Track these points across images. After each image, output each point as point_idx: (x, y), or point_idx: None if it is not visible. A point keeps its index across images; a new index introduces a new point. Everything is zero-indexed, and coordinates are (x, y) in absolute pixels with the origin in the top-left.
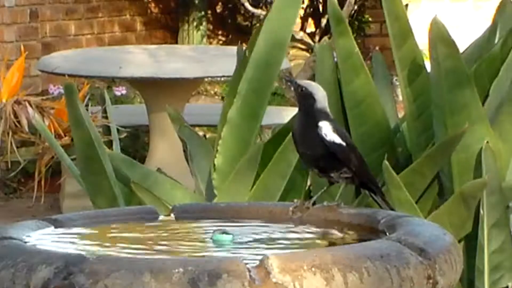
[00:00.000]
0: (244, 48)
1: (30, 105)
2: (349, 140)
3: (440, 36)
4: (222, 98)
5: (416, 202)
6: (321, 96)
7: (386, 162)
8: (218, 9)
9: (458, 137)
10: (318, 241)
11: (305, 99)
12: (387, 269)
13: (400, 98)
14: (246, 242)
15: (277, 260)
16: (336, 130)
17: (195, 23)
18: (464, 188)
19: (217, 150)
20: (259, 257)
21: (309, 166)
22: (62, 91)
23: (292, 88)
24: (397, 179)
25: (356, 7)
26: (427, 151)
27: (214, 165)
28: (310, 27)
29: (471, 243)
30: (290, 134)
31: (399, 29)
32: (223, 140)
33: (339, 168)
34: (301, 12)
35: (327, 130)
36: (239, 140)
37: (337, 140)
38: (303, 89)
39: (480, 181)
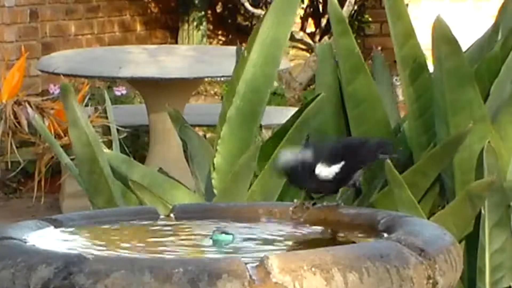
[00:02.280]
0: (243, 48)
1: (30, 106)
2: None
3: (443, 35)
4: (222, 98)
5: (419, 202)
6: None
7: (389, 161)
8: (218, 9)
9: (462, 137)
10: (318, 241)
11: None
12: (387, 269)
13: (401, 98)
14: (246, 242)
15: (277, 260)
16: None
17: (195, 23)
18: (470, 188)
19: (216, 150)
20: (259, 257)
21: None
22: None
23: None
24: (400, 179)
25: (356, 7)
26: (429, 151)
27: (214, 164)
28: (310, 27)
29: (472, 243)
30: (289, 133)
31: (401, 29)
32: (222, 140)
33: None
34: (301, 12)
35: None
36: (238, 140)
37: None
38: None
39: (487, 180)
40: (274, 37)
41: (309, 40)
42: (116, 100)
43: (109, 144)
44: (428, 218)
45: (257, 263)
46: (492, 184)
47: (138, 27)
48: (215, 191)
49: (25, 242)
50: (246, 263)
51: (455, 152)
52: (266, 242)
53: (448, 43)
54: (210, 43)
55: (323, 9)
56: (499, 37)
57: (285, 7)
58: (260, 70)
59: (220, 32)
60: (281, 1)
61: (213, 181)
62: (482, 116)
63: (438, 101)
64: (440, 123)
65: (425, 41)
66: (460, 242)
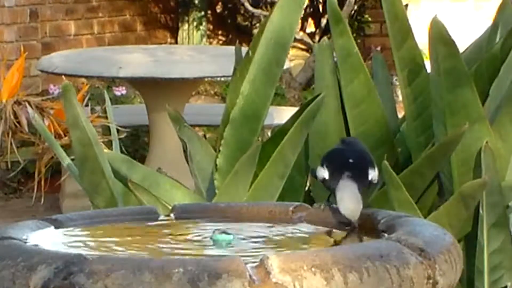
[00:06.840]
0: (242, 48)
1: (30, 105)
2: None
3: (440, 36)
4: (222, 98)
5: (416, 202)
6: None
7: (385, 162)
8: (218, 9)
9: (458, 137)
10: (318, 241)
11: None
12: (387, 269)
13: (400, 98)
14: (246, 242)
15: (277, 260)
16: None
17: (195, 23)
18: (463, 188)
19: (219, 151)
20: (259, 257)
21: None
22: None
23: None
24: (397, 179)
25: (356, 7)
26: (426, 151)
27: (216, 165)
28: (310, 27)
29: (470, 243)
30: (289, 133)
31: (399, 29)
32: (225, 140)
33: None
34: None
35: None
36: (241, 141)
37: None
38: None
39: (480, 181)
40: (279, 39)
41: (309, 40)
42: (116, 100)
43: (109, 144)
44: (425, 219)
45: (257, 263)
46: (485, 185)
47: (138, 27)
48: (217, 191)
49: (25, 242)
50: (246, 263)
51: (452, 153)
52: (266, 242)
53: (445, 44)
54: (210, 43)
55: (323, 9)
56: (498, 36)
57: (290, 7)
58: (264, 71)
59: (220, 32)
60: (286, 1)
61: (215, 182)
62: (480, 116)
63: (435, 102)
64: (438, 124)
65: (425, 41)
66: (458, 242)
